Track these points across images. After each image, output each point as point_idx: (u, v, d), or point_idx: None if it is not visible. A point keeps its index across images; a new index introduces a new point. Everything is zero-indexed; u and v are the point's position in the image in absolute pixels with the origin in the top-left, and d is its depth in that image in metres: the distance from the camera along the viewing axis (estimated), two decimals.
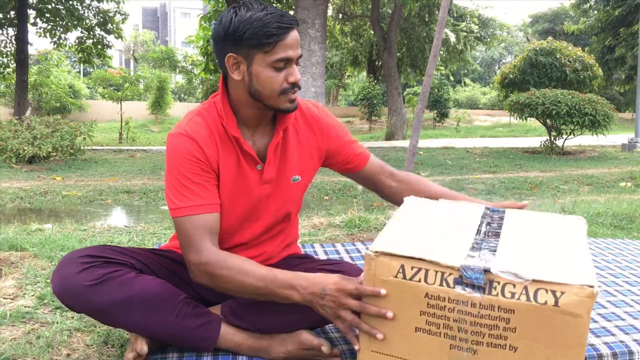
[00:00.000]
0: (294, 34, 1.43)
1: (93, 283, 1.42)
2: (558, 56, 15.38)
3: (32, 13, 15.19)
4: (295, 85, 1.46)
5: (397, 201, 1.69)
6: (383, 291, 1.22)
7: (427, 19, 19.76)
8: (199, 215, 1.45)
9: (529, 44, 19.96)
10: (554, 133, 11.28)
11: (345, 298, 1.30)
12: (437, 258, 1.18)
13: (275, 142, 1.57)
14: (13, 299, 2.24)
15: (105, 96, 19.54)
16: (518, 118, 11.65)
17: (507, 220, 1.44)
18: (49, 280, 2.40)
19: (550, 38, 16.48)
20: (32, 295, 2.27)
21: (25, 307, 2.14)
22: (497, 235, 1.32)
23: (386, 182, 1.75)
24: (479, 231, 1.34)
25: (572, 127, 10.86)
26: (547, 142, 11.46)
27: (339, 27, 21.71)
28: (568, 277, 1.14)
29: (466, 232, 1.33)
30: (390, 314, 1.23)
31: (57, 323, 1.98)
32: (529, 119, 11.48)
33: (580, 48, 16.75)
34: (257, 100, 1.49)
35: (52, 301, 2.19)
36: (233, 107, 1.54)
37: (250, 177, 1.56)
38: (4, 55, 15.40)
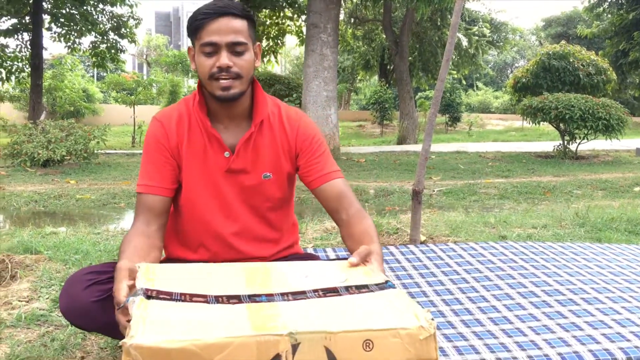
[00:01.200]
0: (223, 21, 1.48)
1: (99, 298, 1.42)
2: (571, 60, 15.29)
3: (47, 18, 15.35)
4: (222, 70, 1.50)
5: (346, 244, 1.60)
6: (124, 298, 1.18)
7: (439, 23, 19.73)
8: (145, 194, 1.58)
9: (541, 47, 19.86)
10: (567, 137, 11.19)
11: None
12: None
13: (248, 134, 1.60)
14: (28, 302, 2.27)
15: (119, 100, 19.65)
16: (531, 122, 11.58)
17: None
18: (62, 283, 2.42)
19: (563, 42, 16.39)
20: (47, 298, 2.29)
21: (40, 309, 2.16)
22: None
23: (338, 217, 1.62)
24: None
25: (586, 132, 10.77)
26: (560, 147, 11.38)
27: (350, 31, 21.73)
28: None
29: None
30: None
31: (71, 326, 1.99)
32: (542, 123, 11.40)
33: (593, 52, 16.66)
34: (205, 88, 1.57)
35: None
36: (206, 100, 1.62)
37: (216, 163, 1.61)
38: (19, 60, 15.55)
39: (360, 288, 1.19)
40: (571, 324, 1.98)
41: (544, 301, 2.20)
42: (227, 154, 1.60)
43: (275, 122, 1.65)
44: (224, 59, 1.49)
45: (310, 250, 2.90)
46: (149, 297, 1.10)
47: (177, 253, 1.72)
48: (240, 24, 1.51)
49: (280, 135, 1.65)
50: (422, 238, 3.29)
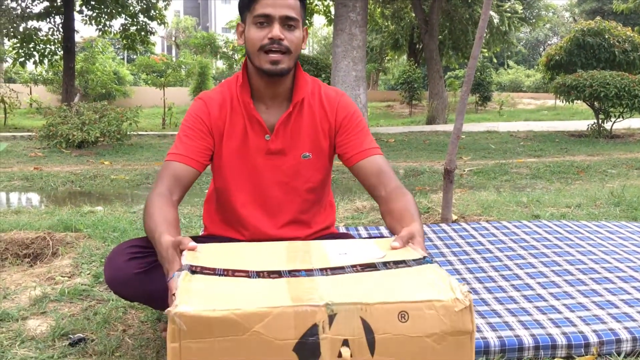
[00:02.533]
0: None
1: (142, 270, 1.48)
2: (607, 36, 14.86)
3: (78, 1, 15.51)
4: (274, 42, 1.51)
5: (385, 221, 1.59)
6: (193, 243, 1.24)
7: (469, 0, 19.35)
8: (173, 162, 1.57)
9: (575, 24, 19.36)
10: (601, 116, 10.95)
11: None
12: None
13: (286, 115, 1.61)
14: (70, 277, 2.34)
15: (149, 82, 19.83)
16: (564, 101, 11.34)
17: None
18: (103, 260, 2.49)
19: (598, 18, 15.93)
20: (88, 274, 2.37)
21: (82, 285, 2.23)
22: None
23: (376, 194, 1.61)
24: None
25: (621, 110, 10.52)
26: (594, 125, 11.14)
27: (379, 10, 21.45)
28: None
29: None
30: (193, 244, 1.24)
31: (113, 300, 2.06)
32: (575, 101, 11.16)
33: (629, 28, 16.14)
34: (252, 64, 1.57)
35: None
36: (250, 78, 1.63)
37: (256, 145, 1.62)
38: (52, 43, 15.75)
39: (398, 263, 1.20)
40: (606, 301, 1.97)
41: (578, 279, 2.18)
42: (267, 136, 1.62)
43: (315, 101, 1.66)
44: (276, 30, 1.51)
45: (342, 229, 2.92)
46: (193, 272, 1.13)
47: (218, 231, 1.76)
48: (293, 1, 1.53)
49: (319, 114, 1.66)
50: (454, 217, 3.29)
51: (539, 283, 2.17)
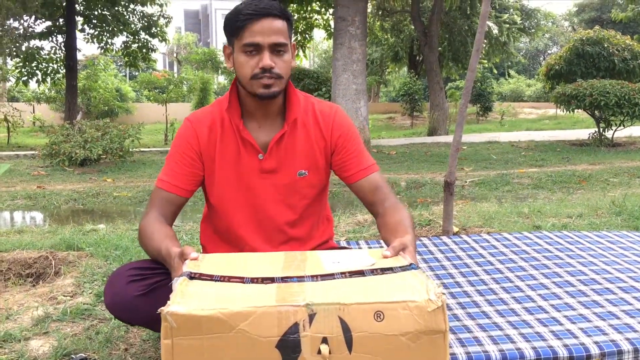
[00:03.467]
0: (266, 22, 1.51)
1: (141, 293, 1.48)
2: (606, 45, 14.90)
3: (79, 20, 15.64)
4: (266, 71, 1.52)
5: (381, 234, 1.62)
6: (195, 254, 1.30)
7: (468, 12, 19.45)
8: (163, 190, 1.62)
9: (575, 33, 19.42)
10: (602, 124, 10.97)
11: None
12: None
13: (280, 134, 1.62)
14: (72, 297, 2.35)
15: (151, 99, 19.92)
16: (565, 110, 11.36)
17: None
18: (105, 279, 2.50)
19: (597, 27, 15.99)
20: (90, 293, 2.37)
21: (84, 304, 2.24)
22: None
23: (374, 210, 1.67)
24: None
25: (622, 118, 10.53)
26: (595, 134, 11.15)
27: (379, 23, 21.59)
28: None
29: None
30: (195, 255, 1.30)
31: (114, 320, 2.06)
32: (576, 110, 11.18)
33: (629, 36, 16.20)
34: (244, 88, 1.59)
35: None
36: (241, 99, 1.64)
37: (250, 166, 1.64)
38: (54, 62, 15.88)
39: (385, 270, 1.26)
40: (608, 312, 1.97)
41: (579, 290, 2.18)
42: (260, 156, 1.63)
43: (309, 119, 1.67)
44: (267, 60, 1.51)
45: (343, 244, 2.93)
46: (191, 278, 1.20)
47: (216, 250, 1.76)
48: (281, 24, 1.54)
49: (314, 131, 1.67)
50: (455, 229, 3.29)
51: (540, 295, 2.17)
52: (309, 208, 1.72)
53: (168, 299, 1.29)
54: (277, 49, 1.53)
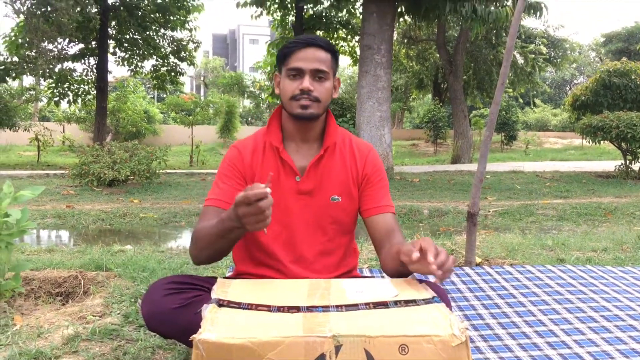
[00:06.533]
0: (310, 51, 1.67)
1: (179, 306, 1.55)
2: (633, 77, 14.81)
3: (111, 43, 16.07)
4: (304, 92, 1.65)
5: (384, 264, 1.69)
6: (268, 190, 1.34)
7: (494, 41, 19.52)
8: (211, 206, 1.70)
9: (602, 64, 19.32)
10: (629, 157, 10.84)
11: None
12: None
13: (317, 157, 1.72)
14: (101, 317, 2.41)
15: (177, 121, 20.29)
16: (591, 141, 11.28)
17: None
18: (133, 300, 2.56)
19: (624, 59, 15.91)
20: (118, 313, 2.43)
21: (112, 324, 2.30)
22: None
23: (380, 248, 1.73)
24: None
25: None
26: (622, 167, 11.02)
27: (404, 51, 21.76)
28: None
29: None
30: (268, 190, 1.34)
31: (142, 340, 2.12)
32: (602, 141, 11.09)
33: None
34: (285, 110, 1.71)
35: (137, 319, 2.33)
36: (282, 123, 1.77)
37: (287, 186, 1.73)
38: (85, 83, 16.29)
39: (408, 302, 1.29)
40: (631, 349, 1.97)
41: (602, 326, 2.18)
42: (298, 178, 1.72)
43: (345, 148, 1.78)
44: (306, 82, 1.65)
45: (366, 272, 2.96)
46: (220, 306, 1.25)
47: (248, 269, 1.82)
48: (324, 55, 1.68)
49: (350, 160, 1.77)
50: (478, 260, 3.30)
51: (562, 330, 2.17)
52: (339, 235, 1.78)
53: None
54: (318, 75, 1.67)
